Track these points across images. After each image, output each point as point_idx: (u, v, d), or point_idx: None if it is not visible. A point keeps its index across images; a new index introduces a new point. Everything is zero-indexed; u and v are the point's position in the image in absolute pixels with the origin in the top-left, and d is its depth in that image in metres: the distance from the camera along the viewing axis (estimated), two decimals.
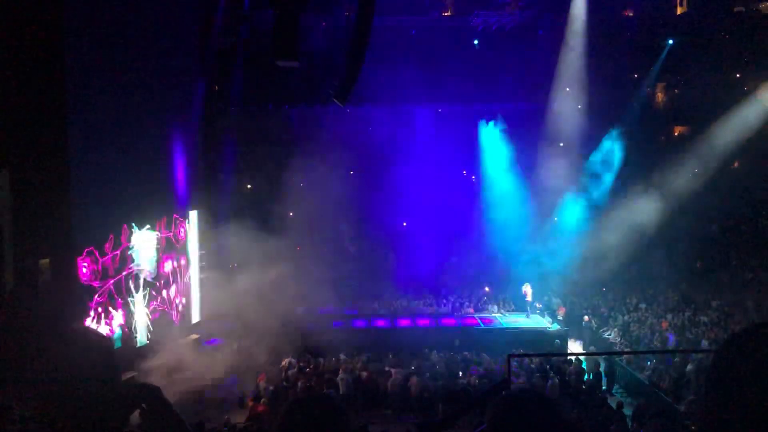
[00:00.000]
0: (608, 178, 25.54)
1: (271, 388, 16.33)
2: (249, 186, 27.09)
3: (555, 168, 25.63)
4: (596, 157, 25.91)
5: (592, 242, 23.82)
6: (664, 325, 20.26)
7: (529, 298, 22.10)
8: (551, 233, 25.26)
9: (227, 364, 16.70)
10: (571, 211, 25.40)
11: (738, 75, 26.42)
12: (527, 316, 21.88)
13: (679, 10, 26.96)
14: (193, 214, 19.89)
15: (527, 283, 22.19)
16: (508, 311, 22.54)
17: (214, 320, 19.71)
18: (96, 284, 13.56)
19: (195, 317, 19.71)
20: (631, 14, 27.36)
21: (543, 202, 25.41)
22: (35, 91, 11.85)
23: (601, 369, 17.63)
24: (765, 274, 23.66)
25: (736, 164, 26.56)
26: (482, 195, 27.11)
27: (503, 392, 1.82)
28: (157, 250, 16.95)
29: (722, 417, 1.26)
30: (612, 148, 25.77)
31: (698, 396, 13.77)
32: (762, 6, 25.56)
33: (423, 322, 21.84)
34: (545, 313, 22.12)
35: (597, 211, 25.00)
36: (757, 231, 26.07)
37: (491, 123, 27.26)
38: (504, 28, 26.05)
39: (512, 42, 25.79)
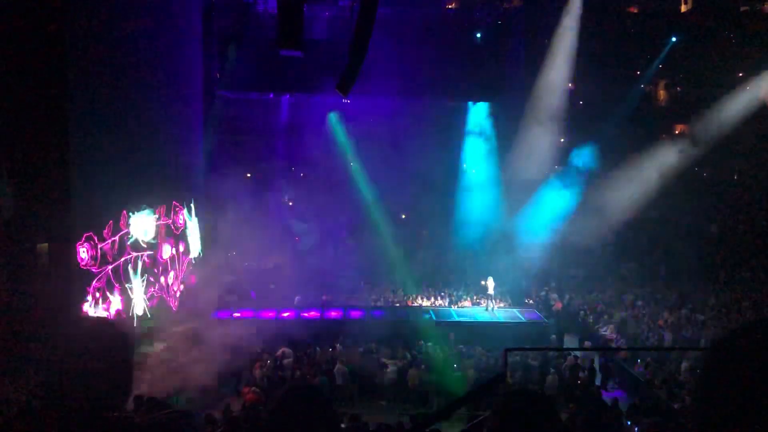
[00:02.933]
0: (603, 174, 25.49)
1: (266, 377, 16.38)
2: (248, 174, 27.09)
3: (552, 162, 25.70)
4: (594, 153, 25.88)
5: (590, 238, 23.83)
6: (661, 322, 20.31)
7: (490, 291, 21.96)
8: (548, 228, 25.27)
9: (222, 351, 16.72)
10: (569, 206, 25.40)
11: (741, 74, 26.40)
12: (486, 310, 21.86)
13: (683, 8, 26.90)
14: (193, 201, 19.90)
15: (490, 277, 22.10)
16: (506, 305, 22.54)
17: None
18: (94, 269, 13.55)
19: None
20: (635, 10, 27.31)
21: (541, 196, 25.45)
22: (36, 78, 11.82)
23: (596, 365, 17.70)
24: (762, 274, 23.73)
25: (735, 177, 26.58)
26: (481, 188, 27.14)
27: (505, 390, 1.86)
28: (156, 236, 16.94)
29: (715, 416, 1.27)
30: (610, 145, 25.74)
31: (691, 394, 13.81)
32: (767, 6, 25.50)
33: (420, 314, 21.85)
34: (541, 308, 22.16)
35: (595, 207, 24.99)
36: (756, 231, 26.13)
37: (489, 116, 27.30)
38: (506, 22, 26.00)
39: (514, 36, 25.74)
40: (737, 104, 24.47)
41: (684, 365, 16.34)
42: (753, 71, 25.13)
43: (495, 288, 22.55)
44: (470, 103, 27.72)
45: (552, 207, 25.46)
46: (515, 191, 25.52)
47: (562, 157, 25.82)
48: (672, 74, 28.05)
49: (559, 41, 25.11)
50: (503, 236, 24.56)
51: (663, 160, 24.90)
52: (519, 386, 14.16)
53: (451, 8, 27.57)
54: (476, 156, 27.90)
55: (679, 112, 28.24)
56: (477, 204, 26.53)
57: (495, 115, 27.04)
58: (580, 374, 16.95)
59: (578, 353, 18.09)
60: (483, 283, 24.52)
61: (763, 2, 25.28)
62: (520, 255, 23.68)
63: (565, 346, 20.15)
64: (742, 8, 25.48)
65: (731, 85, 25.50)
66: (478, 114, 27.68)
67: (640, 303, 22.53)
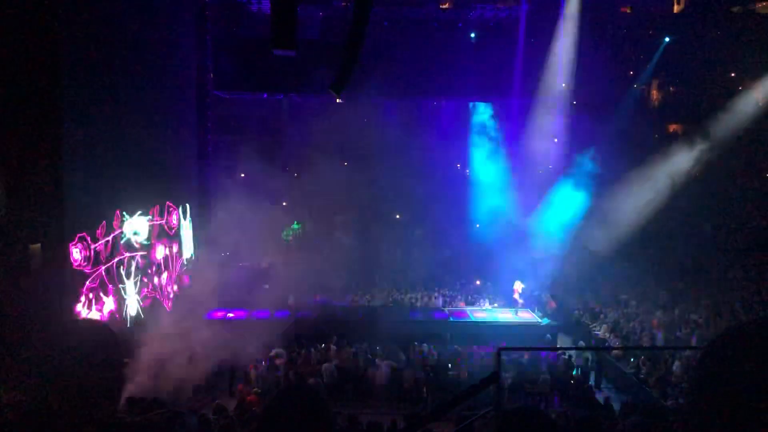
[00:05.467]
0: (599, 175, 25.45)
1: (261, 377, 16.36)
2: (242, 174, 27.03)
3: (548, 162, 25.70)
4: (588, 153, 25.86)
5: (582, 238, 23.82)
6: (654, 322, 20.38)
7: (516, 295, 21.83)
8: (543, 228, 25.26)
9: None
10: (564, 206, 25.38)
11: (733, 74, 26.49)
12: (515, 313, 21.75)
13: (676, 8, 26.98)
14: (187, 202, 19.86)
15: (518, 281, 22.00)
16: (500, 306, 22.56)
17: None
18: (88, 270, 13.52)
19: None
20: (628, 11, 27.37)
21: (535, 196, 25.45)
22: (30, 79, 11.78)
23: (590, 364, 17.76)
24: (754, 274, 23.82)
25: (728, 176, 26.48)
26: (476, 187, 27.15)
27: (507, 409, 1.88)
28: (150, 236, 16.91)
29: (708, 416, 1.27)
30: (604, 145, 25.72)
31: (685, 394, 13.88)
32: (759, 6, 25.59)
33: (414, 314, 21.87)
34: (534, 307, 22.18)
35: (589, 207, 24.98)
36: (748, 230, 26.21)
37: (485, 115, 27.31)
38: (501, 22, 26.02)
39: (509, 36, 25.76)
40: (744, 104, 24.41)
41: (676, 365, 16.41)
42: (746, 72, 25.23)
43: (490, 288, 22.47)
44: (470, 104, 27.77)
45: (559, 209, 25.37)
46: (517, 191, 25.51)
47: (566, 160, 25.66)
48: (666, 75, 28.09)
49: (558, 41, 25.14)
50: (504, 236, 24.46)
51: (675, 163, 24.74)
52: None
53: (445, 8, 27.59)
54: (479, 155, 27.87)
55: (673, 112, 28.31)
56: (475, 204, 26.54)
57: (498, 115, 27.06)
58: (573, 374, 17.03)
59: (572, 353, 18.16)
60: (477, 283, 24.55)
61: (754, 3, 25.37)
62: (520, 256, 23.53)
63: (558, 346, 20.21)
64: (734, 8, 25.57)
65: (724, 86, 25.58)
66: (482, 114, 27.67)
67: (633, 303, 22.61)
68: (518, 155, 26.03)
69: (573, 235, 24.11)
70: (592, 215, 24.19)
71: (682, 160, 24.70)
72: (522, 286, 21.72)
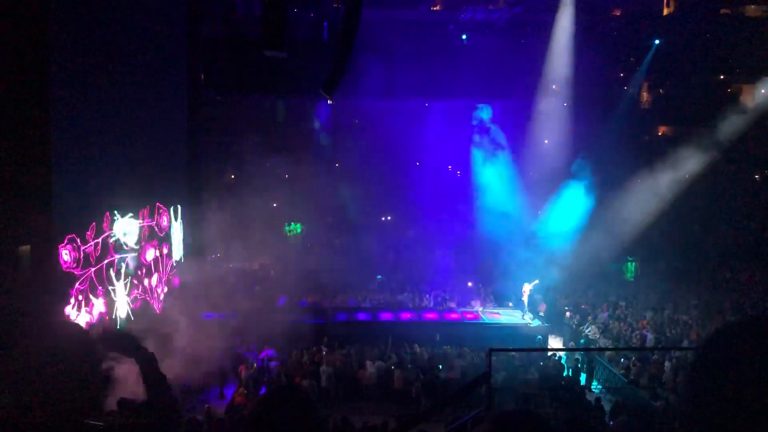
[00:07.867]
0: (591, 177, 25.49)
1: (252, 379, 16.32)
2: (233, 176, 26.97)
3: (541, 165, 25.76)
4: (580, 155, 25.91)
5: (583, 241, 23.80)
6: (644, 323, 20.47)
7: (524, 297, 21.64)
8: (542, 230, 25.29)
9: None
10: (563, 209, 25.38)
11: (722, 77, 26.64)
12: (522, 316, 21.62)
13: (665, 11, 27.14)
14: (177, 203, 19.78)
15: (527, 283, 21.69)
16: (493, 307, 22.59)
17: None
18: (77, 272, 13.43)
19: None
20: (618, 13, 27.50)
21: (531, 197, 25.51)
22: (19, 79, 11.68)
23: (580, 365, 17.81)
24: (743, 275, 23.97)
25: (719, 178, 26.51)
26: (470, 189, 27.17)
27: (497, 412, 1.81)
28: (140, 238, 16.83)
29: (704, 414, 1.26)
30: (595, 147, 25.79)
31: (679, 393, 13.93)
32: (747, 9, 25.79)
33: (405, 316, 21.85)
34: (526, 308, 22.22)
35: (587, 210, 24.97)
36: (737, 232, 26.38)
37: (481, 117, 27.36)
38: (492, 24, 26.07)
39: (500, 38, 25.82)
40: (736, 107, 24.45)
41: (667, 365, 16.48)
42: (734, 75, 25.40)
43: (485, 290, 22.40)
44: (466, 105, 27.80)
45: (559, 212, 25.34)
46: (516, 193, 25.54)
47: (563, 162, 25.65)
48: (655, 77, 28.21)
49: (549, 44, 25.21)
50: (502, 238, 24.46)
51: (675, 167, 24.72)
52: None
53: (436, 9, 27.63)
54: (477, 157, 27.88)
55: (663, 114, 28.43)
56: (469, 205, 26.55)
57: (499, 116, 27.08)
58: (564, 374, 17.07)
59: (562, 353, 18.21)
60: (469, 284, 24.54)
61: (742, 5, 25.56)
62: (518, 257, 23.45)
63: (549, 347, 20.26)
64: (722, 11, 25.75)
65: (713, 88, 25.71)
66: (481, 115, 27.69)
67: (623, 303, 22.68)
68: (515, 157, 26.10)
69: (573, 238, 24.10)
70: (591, 218, 24.13)
71: (681, 164, 24.75)
72: (531, 288, 21.65)
